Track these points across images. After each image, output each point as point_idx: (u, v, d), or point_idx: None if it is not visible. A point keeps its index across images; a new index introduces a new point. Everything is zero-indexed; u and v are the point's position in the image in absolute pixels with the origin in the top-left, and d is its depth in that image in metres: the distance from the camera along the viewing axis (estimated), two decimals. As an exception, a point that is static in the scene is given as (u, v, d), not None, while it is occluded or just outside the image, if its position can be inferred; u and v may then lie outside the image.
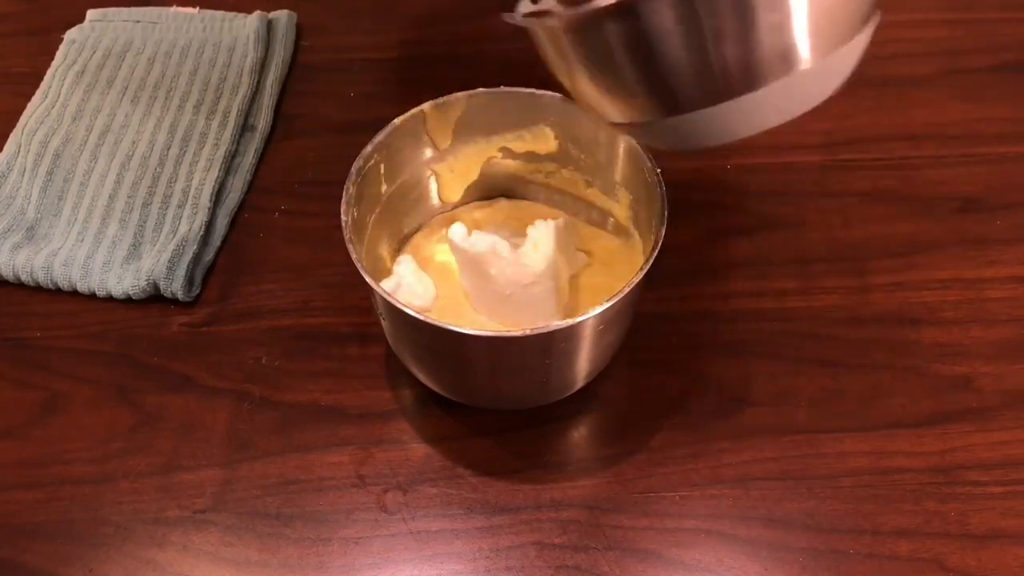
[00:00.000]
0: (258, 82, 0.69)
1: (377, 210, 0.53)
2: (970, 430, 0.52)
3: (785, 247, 0.61)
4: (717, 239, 0.62)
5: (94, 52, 0.71)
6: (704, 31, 0.35)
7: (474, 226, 0.55)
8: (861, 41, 0.38)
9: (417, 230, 0.58)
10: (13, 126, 0.67)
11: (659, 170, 0.49)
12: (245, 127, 0.67)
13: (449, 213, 0.58)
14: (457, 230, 0.52)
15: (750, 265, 0.60)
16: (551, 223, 0.52)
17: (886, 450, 0.52)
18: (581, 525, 0.50)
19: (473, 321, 0.53)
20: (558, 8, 0.41)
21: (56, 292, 0.60)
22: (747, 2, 0.35)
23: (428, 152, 0.55)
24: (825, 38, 0.36)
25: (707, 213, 0.63)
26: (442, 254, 0.56)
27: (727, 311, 0.58)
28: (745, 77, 0.36)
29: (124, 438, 0.54)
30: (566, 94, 0.48)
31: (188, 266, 0.59)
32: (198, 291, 0.60)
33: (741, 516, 0.50)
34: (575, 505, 0.51)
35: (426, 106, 0.52)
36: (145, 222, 0.62)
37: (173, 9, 0.74)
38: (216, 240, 0.62)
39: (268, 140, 0.68)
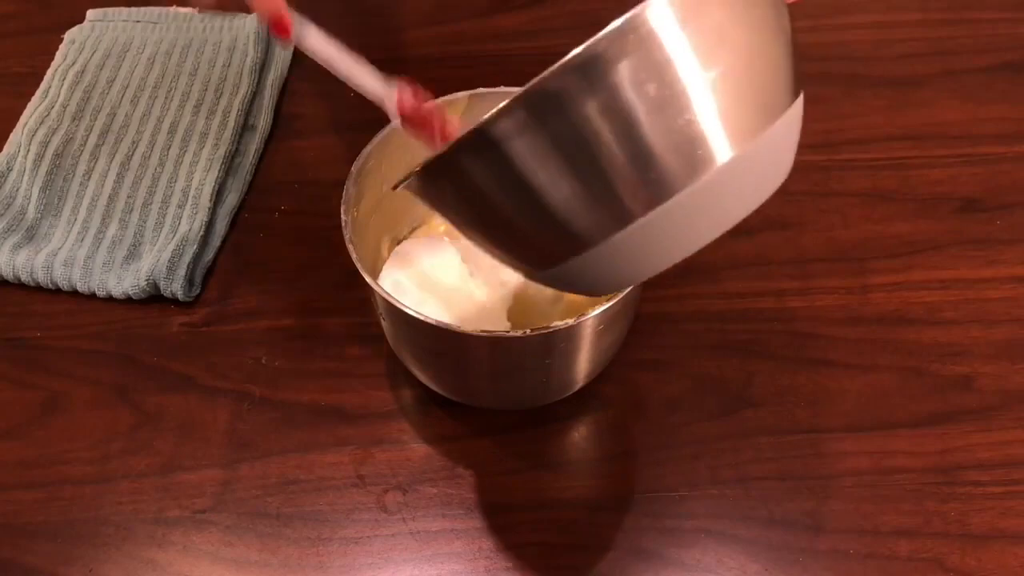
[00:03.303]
0: (258, 82, 0.69)
1: (377, 210, 0.53)
2: (970, 430, 0.52)
3: (785, 247, 0.61)
4: (717, 239, 0.61)
5: (94, 52, 0.71)
6: (587, 144, 0.29)
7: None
8: (784, 128, 0.32)
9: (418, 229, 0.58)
10: (13, 126, 0.67)
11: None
12: (245, 127, 0.67)
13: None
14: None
15: (750, 265, 0.60)
16: None
17: (886, 450, 0.52)
18: (581, 525, 0.50)
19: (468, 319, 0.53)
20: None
21: (56, 292, 0.60)
22: (624, 113, 0.29)
23: (428, 152, 0.55)
24: (741, 125, 0.30)
25: (707, 213, 0.63)
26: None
27: (727, 311, 0.58)
28: (649, 190, 0.30)
29: (124, 438, 0.54)
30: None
31: (188, 266, 0.59)
32: (198, 291, 0.60)
33: (741, 516, 0.50)
34: (575, 505, 0.51)
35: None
36: (145, 222, 0.62)
37: (173, 9, 0.74)
38: (216, 240, 0.62)
39: (268, 140, 0.68)
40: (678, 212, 0.30)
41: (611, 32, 0.28)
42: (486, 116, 0.29)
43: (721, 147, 0.30)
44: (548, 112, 0.29)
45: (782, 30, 0.32)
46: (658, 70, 0.29)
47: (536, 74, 0.29)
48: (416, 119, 0.43)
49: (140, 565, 0.49)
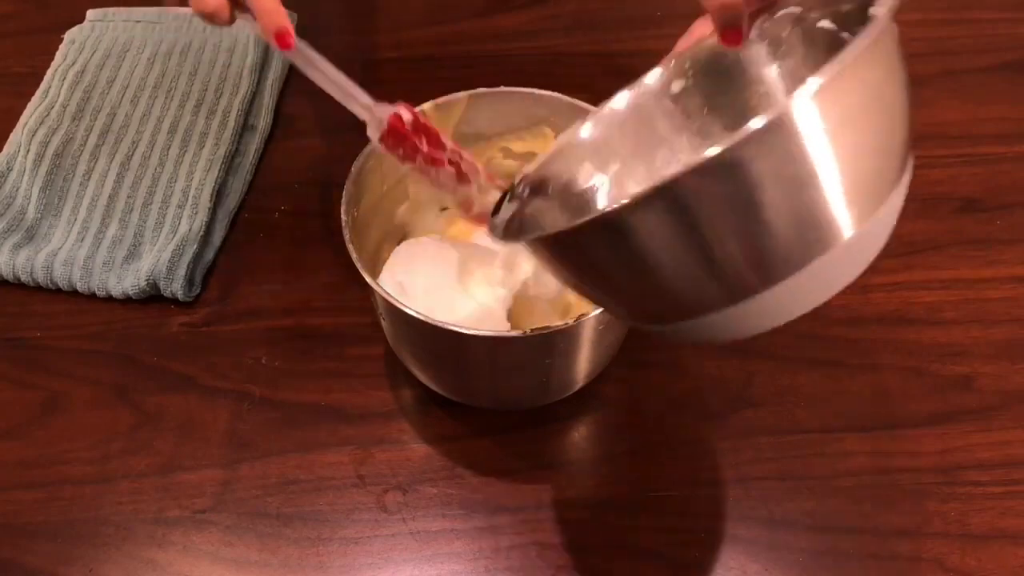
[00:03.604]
0: (258, 82, 0.69)
1: (377, 210, 0.53)
2: (970, 430, 0.52)
3: (785, 247, 0.61)
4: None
5: (94, 52, 0.71)
6: (716, 233, 0.30)
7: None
8: (898, 196, 0.33)
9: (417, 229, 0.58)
10: (13, 126, 0.67)
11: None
12: (245, 127, 0.67)
13: (449, 212, 0.58)
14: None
15: (750, 265, 0.60)
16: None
17: (886, 450, 0.52)
18: (581, 525, 0.50)
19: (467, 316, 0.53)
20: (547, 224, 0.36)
21: (56, 292, 0.60)
22: (762, 195, 0.28)
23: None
24: (866, 201, 0.31)
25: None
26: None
27: (727, 311, 0.58)
28: (771, 269, 0.30)
29: (124, 438, 0.54)
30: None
31: (188, 266, 0.59)
32: (198, 291, 0.60)
33: (741, 516, 0.50)
34: (575, 505, 0.51)
35: (426, 106, 0.52)
36: (145, 222, 0.62)
37: (173, 9, 0.74)
38: (216, 240, 0.62)
39: (268, 140, 0.68)
40: (793, 287, 0.31)
41: (753, 132, 0.27)
42: (621, 202, 0.29)
43: (845, 224, 0.30)
44: (682, 204, 0.29)
45: (908, 94, 0.32)
46: (794, 162, 0.28)
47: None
48: (398, 136, 0.44)
49: (140, 565, 0.49)
